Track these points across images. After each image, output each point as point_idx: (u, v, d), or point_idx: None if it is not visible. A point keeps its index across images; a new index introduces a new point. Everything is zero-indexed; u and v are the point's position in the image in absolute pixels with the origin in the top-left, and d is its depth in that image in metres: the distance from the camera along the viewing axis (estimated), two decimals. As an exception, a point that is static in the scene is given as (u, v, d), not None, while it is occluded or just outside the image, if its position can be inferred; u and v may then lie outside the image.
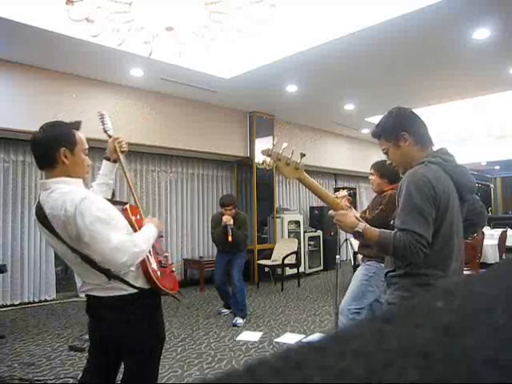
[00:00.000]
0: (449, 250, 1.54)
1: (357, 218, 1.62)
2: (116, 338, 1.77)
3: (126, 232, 1.73)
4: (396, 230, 1.51)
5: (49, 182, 1.65)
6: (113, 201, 1.94)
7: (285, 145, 1.67)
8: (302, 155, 1.65)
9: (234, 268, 4.79)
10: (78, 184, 1.69)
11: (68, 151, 1.65)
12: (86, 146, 1.75)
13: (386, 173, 3.02)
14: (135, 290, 1.72)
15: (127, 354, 1.80)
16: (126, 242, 1.62)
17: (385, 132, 1.69)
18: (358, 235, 1.58)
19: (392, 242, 1.47)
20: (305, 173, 1.67)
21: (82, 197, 1.58)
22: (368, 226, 1.58)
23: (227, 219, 4.61)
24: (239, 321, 4.58)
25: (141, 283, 1.75)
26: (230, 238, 4.56)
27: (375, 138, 1.75)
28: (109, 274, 1.65)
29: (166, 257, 2.02)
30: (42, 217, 1.63)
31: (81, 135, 1.74)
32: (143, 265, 1.75)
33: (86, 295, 1.79)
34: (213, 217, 5.08)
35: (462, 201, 1.63)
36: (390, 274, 1.63)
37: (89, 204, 1.57)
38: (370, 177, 3.13)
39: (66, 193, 1.60)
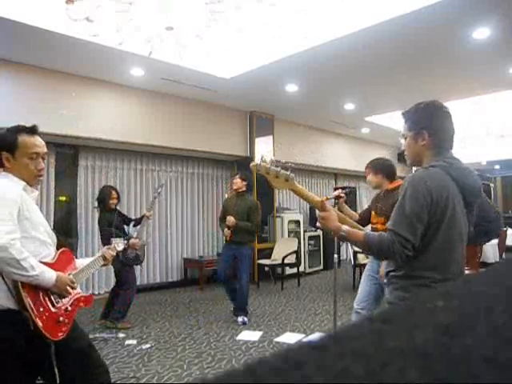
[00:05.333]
0: (448, 253, 1.54)
1: (342, 222, 1.68)
2: None
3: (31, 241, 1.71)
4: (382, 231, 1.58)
5: None
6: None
7: (272, 158, 1.76)
8: (290, 167, 1.73)
9: (241, 270, 4.63)
10: (18, 184, 1.74)
11: (9, 155, 1.74)
12: (35, 150, 1.78)
13: (380, 168, 3.07)
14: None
15: None
16: (14, 237, 1.59)
17: (410, 120, 1.67)
18: (342, 238, 1.65)
19: (377, 243, 1.51)
20: (296, 183, 1.75)
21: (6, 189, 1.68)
22: (351, 229, 1.63)
23: (230, 221, 4.45)
24: (245, 318, 4.60)
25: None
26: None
27: (403, 118, 1.71)
28: None
29: (66, 310, 1.82)
30: None
31: (29, 140, 1.78)
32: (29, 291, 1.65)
33: None
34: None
35: (469, 204, 1.58)
36: (391, 273, 1.65)
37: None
38: (367, 176, 3.17)
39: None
